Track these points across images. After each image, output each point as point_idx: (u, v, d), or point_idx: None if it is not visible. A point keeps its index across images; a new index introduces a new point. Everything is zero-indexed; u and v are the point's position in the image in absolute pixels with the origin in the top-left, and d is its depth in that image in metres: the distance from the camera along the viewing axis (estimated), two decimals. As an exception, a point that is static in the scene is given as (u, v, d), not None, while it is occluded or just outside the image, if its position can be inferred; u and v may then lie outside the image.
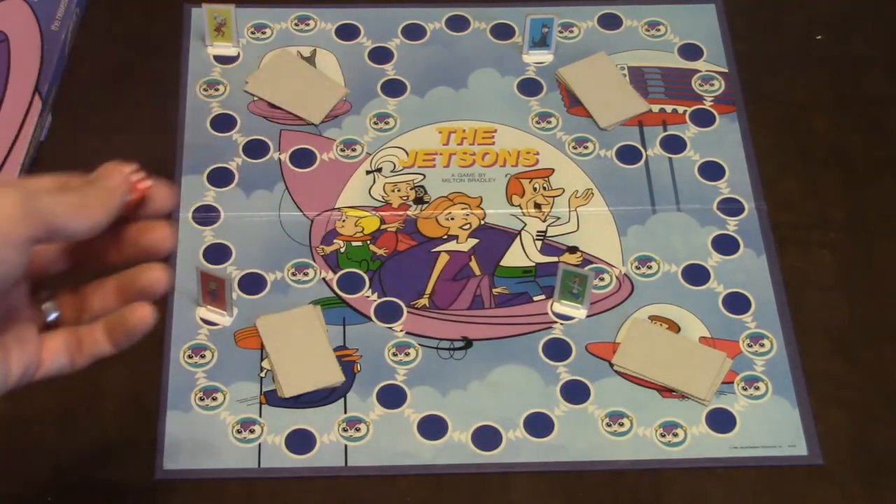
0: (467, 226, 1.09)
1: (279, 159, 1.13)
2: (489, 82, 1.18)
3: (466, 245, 1.08)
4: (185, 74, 1.18)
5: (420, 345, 1.02)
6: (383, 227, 1.09)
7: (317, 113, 1.15)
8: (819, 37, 1.23)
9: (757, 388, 1.01)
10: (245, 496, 0.95)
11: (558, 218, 1.10)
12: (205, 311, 1.03)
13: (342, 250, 1.07)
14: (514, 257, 1.08)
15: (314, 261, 1.07)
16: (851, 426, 1.00)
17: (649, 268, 1.07)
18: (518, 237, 1.09)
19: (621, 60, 1.20)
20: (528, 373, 1.01)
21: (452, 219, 1.10)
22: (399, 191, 1.11)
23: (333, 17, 1.22)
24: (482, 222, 1.09)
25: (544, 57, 1.20)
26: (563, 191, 1.11)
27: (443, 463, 0.97)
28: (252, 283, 1.05)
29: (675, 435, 0.98)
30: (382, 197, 1.11)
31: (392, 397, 1.00)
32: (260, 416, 0.98)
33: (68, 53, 1.18)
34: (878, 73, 1.20)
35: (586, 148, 1.14)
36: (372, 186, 1.11)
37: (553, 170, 1.13)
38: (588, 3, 1.24)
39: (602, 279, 1.06)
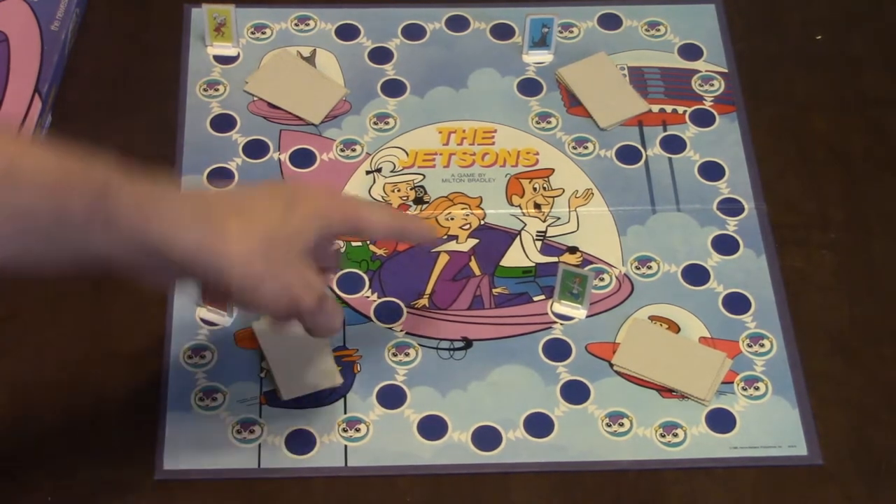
0: (467, 226, 1.09)
1: (279, 159, 1.13)
2: (489, 82, 1.18)
3: (466, 245, 1.08)
4: (185, 74, 1.17)
5: (420, 345, 1.02)
6: (383, 227, 1.09)
7: (317, 113, 1.15)
8: (819, 37, 1.23)
9: (757, 388, 1.01)
10: (245, 496, 0.95)
11: (558, 218, 1.10)
12: (205, 311, 1.03)
13: (342, 250, 1.07)
14: (514, 257, 1.08)
15: (314, 261, 1.07)
16: (851, 426, 0.99)
17: (649, 268, 1.07)
18: (518, 237, 1.09)
19: (621, 60, 1.20)
20: (528, 373, 1.01)
21: (452, 219, 1.10)
22: (399, 191, 1.11)
23: (333, 17, 1.22)
24: (482, 222, 1.09)
25: (544, 57, 1.20)
26: (563, 191, 1.11)
27: (443, 463, 0.97)
28: (252, 284, 1.05)
29: (675, 435, 0.98)
30: (382, 197, 1.11)
31: (392, 397, 1.00)
32: (260, 416, 0.98)
33: (68, 53, 1.18)
34: (878, 73, 1.20)
35: (586, 148, 1.14)
36: (372, 186, 1.11)
37: (553, 170, 1.13)
38: (588, 3, 1.24)
39: (602, 279, 1.06)
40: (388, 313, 1.04)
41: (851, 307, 1.06)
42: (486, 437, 0.98)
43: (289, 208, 0.86)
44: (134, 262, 0.81)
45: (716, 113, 1.17)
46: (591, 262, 1.08)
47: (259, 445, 0.97)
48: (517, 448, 0.98)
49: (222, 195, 0.91)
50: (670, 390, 1.00)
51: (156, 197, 0.81)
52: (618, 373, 1.01)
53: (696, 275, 1.07)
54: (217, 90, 1.17)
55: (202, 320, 1.03)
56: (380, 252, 1.07)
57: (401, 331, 1.03)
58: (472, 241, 1.08)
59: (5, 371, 1.00)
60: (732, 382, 1.01)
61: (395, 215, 0.93)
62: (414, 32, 1.22)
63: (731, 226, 1.10)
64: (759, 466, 0.97)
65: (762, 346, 1.03)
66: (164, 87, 1.17)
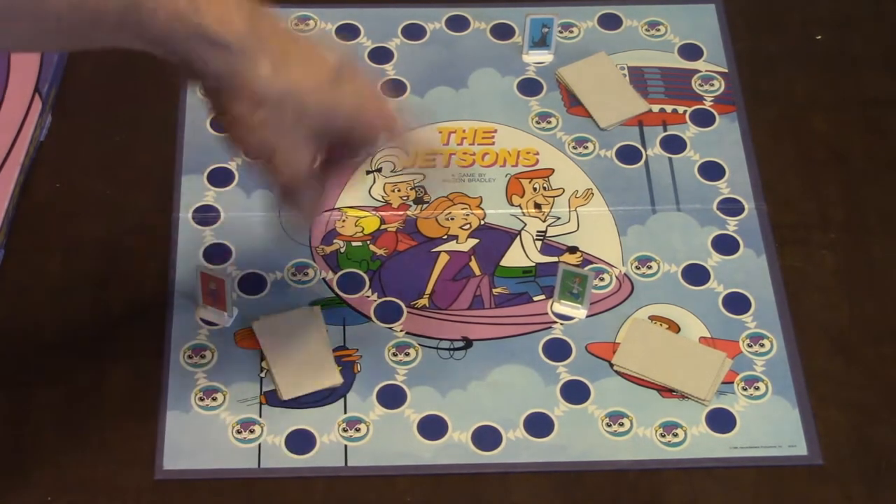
0: (467, 226, 1.09)
1: (279, 159, 1.12)
2: (489, 82, 1.18)
3: (466, 245, 1.08)
4: (185, 74, 1.17)
5: (420, 345, 1.02)
6: (383, 227, 1.09)
7: (317, 113, 1.15)
8: (819, 37, 1.23)
9: (757, 388, 1.01)
10: (245, 496, 0.95)
11: (558, 218, 1.10)
12: (205, 311, 1.03)
13: (342, 250, 1.07)
14: (514, 257, 1.08)
15: (314, 261, 1.07)
16: (851, 426, 0.99)
17: (649, 268, 1.07)
18: (518, 237, 1.09)
19: (621, 60, 1.20)
20: (528, 373, 1.01)
21: (452, 219, 1.10)
22: (399, 191, 1.11)
23: (333, 17, 1.22)
24: (482, 222, 1.09)
25: (544, 57, 1.20)
26: (563, 191, 1.11)
27: (443, 463, 0.97)
28: (252, 284, 1.05)
29: (675, 435, 0.98)
30: (382, 197, 1.11)
31: (392, 397, 1.00)
32: (260, 416, 0.98)
33: (68, 53, 1.18)
34: (878, 73, 1.20)
35: (586, 148, 1.14)
36: (372, 186, 1.11)
37: (553, 170, 1.13)
38: (588, 3, 1.24)
39: (602, 279, 1.06)
40: (388, 313, 1.04)
41: (851, 307, 1.06)
42: (486, 437, 0.98)
43: (334, 83, 0.82)
44: (156, 55, 0.78)
45: (716, 113, 1.17)
46: (591, 262, 1.08)
47: (259, 445, 0.97)
48: (517, 448, 0.98)
49: (274, 32, 0.81)
50: (670, 390, 1.00)
51: (190, 28, 0.76)
52: (618, 373, 1.01)
53: (696, 275, 1.07)
54: (217, 90, 1.16)
55: (202, 320, 1.03)
56: (380, 252, 1.07)
57: (401, 331, 1.03)
58: (472, 241, 1.08)
59: (5, 371, 1.00)
60: (732, 382, 1.01)
61: (414, 139, 0.89)
62: (414, 32, 1.22)
63: (731, 226, 1.10)
64: (759, 466, 0.97)
65: (762, 346, 1.03)
66: (164, 86, 1.17)
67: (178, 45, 0.77)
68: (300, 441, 0.97)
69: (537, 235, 1.09)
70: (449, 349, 1.02)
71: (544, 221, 1.10)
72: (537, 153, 1.14)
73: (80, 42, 0.77)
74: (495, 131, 1.15)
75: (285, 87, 0.80)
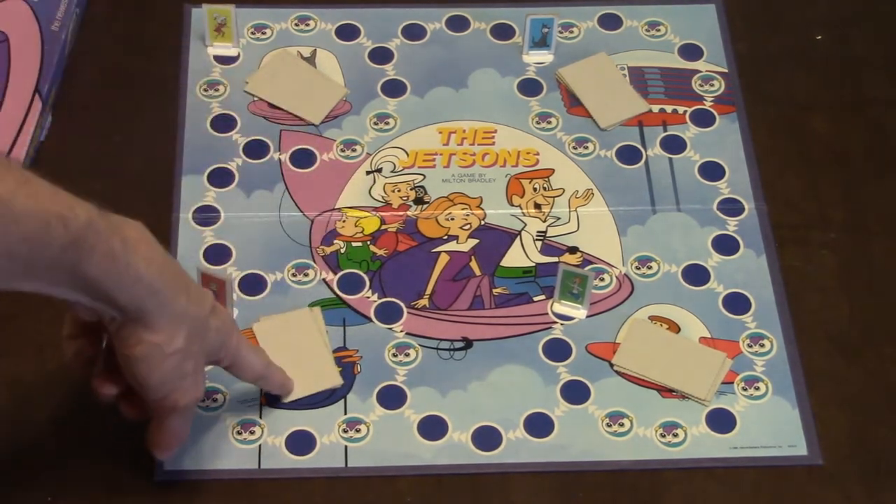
0: (467, 226, 1.09)
1: (279, 159, 1.13)
2: (489, 82, 1.18)
3: (466, 245, 1.08)
4: (185, 74, 1.17)
5: (420, 345, 1.02)
6: (383, 227, 1.09)
7: (317, 113, 1.15)
8: (819, 37, 1.23)
9: (757, 389, 1.01)
10: (245, 497, 0.95)
11: (558, 218, 1.10)
12: (205, 312, 1.03)
13: (342, 251, 1.07)
14: (514, 257, 1.08)
15: (314, 261, 1.07)
16: (851, 426, 1.00)
17: (649, 268, 1.07)
18: (518, 237, 1.09)
19: (621, 60, 1.20)
20: (528, 373, 1.01)
21: (452, 219, 1.10)
22: (399, 191, 1.11)
23: (333, 17, 1.22)
24: (482, 222, 1.09)
25: (544, 57, 1.20)
26: (563, 191, 1.12)
27: (443, 463, 0.97)
28: (252, 284, 1.05)
29: (676, 435, 0.98)
30: (382, 197, 1.11)
31: (392, 398, 1.00)
32: (260, 417, 0.98)
33: (68, 53, 1.18)
34: (878, 73, 1.20)
35: (586, 148, 1.14)
36: (372, 187, 1.11)
37: (553, 170, 1.13)
38: (588, 3, 1.24)
39: (602, 279, 1.06)
40: (388, 314, 1.04)
41: (851, 307, 1.06)
42: (486, 437, 0.98)
43: (212, 312, 0.88)
44: (74, 298, 0.82)
45: (716, 113, 1.17)
46: (591, 262, 1.08)
47: (259, 446, 0.97)
48: (517, 448, 0.98)
49: (178, 267, 0.89)
50: (670, 390, 1.00)
51: (122, 265, 0.81)
52: (618, 373, 1.01)
53: (696, 275, 1.07)
54: (217, 90, 1.17)
55: (202, 320, 1.03)
56: (380, 252, 1.07)
57: (401, 331, 1.03)
58: (473, 242, 1.08)
59: (5, 371, 1.00)
60: (732, 382, 1.01)
61: (265, 364, 0.96)
62: (414, 32, 1.22)
63: (731, 226, 1.10)
64: (759, 466, 0.97)
65: (762, 346, 1.03)
66: (164, 87, 1.17)
67: (106, 283, 0.81)
68: (300, 442, 0.97)
69: (537, 235, 1.09)
70: (449, 349, 1.02)
71: (544, 221, 1.10)
72: (537, 153, 1.14)
73: (9, 277, 0.80)
74: (495, 131, 1.15)
75: (196, 314, 0.86)
